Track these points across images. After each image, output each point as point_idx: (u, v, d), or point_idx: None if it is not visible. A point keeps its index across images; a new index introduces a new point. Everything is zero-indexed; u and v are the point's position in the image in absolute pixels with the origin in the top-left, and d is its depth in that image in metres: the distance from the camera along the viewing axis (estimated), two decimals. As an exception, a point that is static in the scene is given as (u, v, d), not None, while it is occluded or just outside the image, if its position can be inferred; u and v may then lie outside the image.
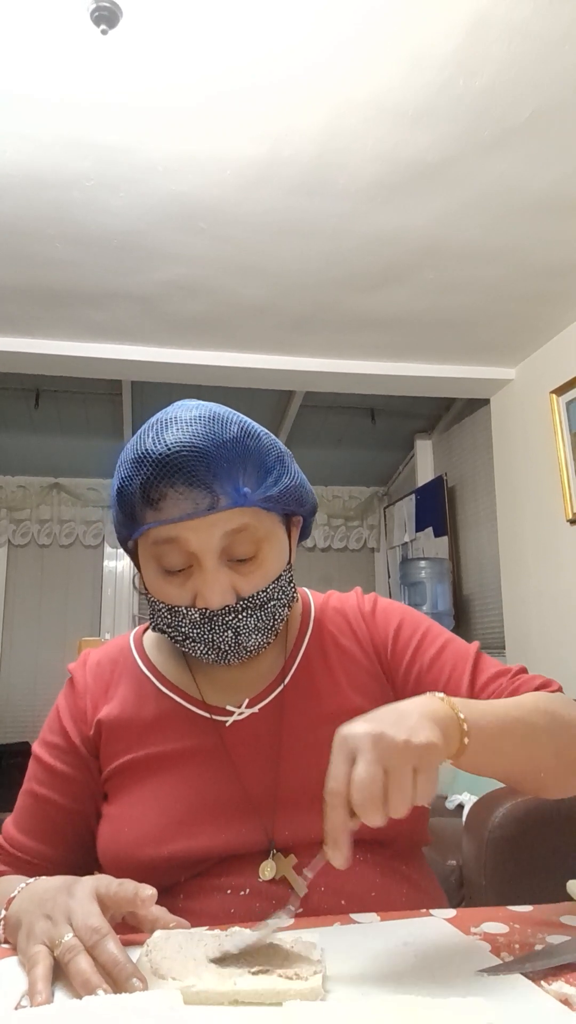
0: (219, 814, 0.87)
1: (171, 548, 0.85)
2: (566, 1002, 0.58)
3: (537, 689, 0.91)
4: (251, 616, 0.87)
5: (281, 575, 0.91)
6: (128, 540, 0.92)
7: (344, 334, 3.33)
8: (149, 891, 0.70)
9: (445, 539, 4.46)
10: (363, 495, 5.76)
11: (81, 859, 0.95)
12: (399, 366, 3.63)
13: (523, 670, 0.97)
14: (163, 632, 0.92)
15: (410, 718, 0.66)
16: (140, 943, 0.70)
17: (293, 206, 2.40)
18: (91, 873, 0.94)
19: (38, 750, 0.99)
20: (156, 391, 4.17)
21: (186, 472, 0.82)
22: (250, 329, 3.26)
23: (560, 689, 0.93)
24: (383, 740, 0.63)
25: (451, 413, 4.70)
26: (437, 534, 4.56)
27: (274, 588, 0.89)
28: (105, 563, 5.37)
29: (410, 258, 2.72)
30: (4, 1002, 0.61)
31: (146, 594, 0.92)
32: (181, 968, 0.63)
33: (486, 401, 4.03)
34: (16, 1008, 0.60)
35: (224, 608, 0.86)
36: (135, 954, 0.67)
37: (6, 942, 0.75)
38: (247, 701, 0.94)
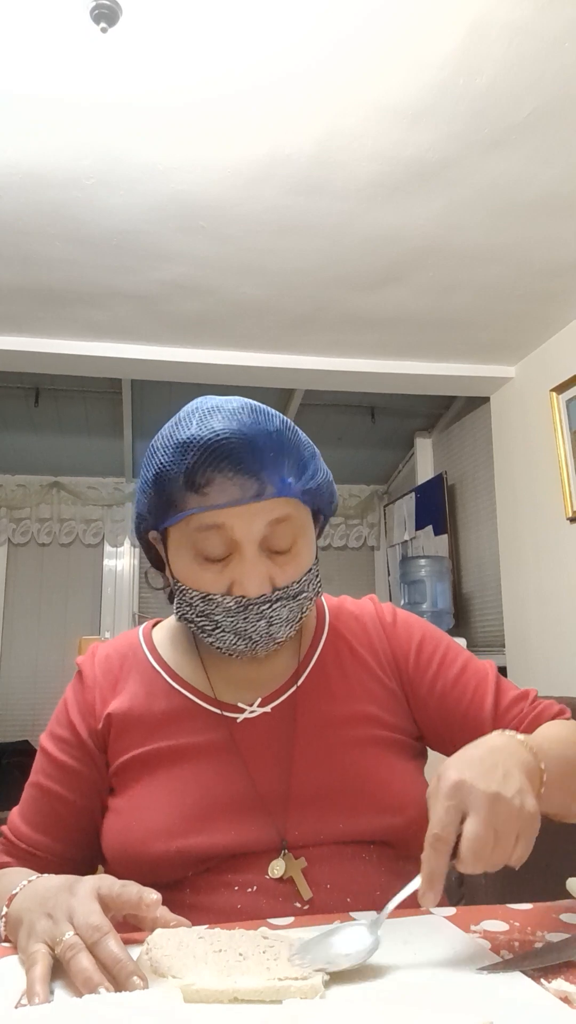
0: (230, 810, 0.87)
1: (213, 535, 0.84)
2: (566, 1000, 0.58)
3: (555, 716, 0.95)
4: (284, 606, 0.88)
5: (311, 568, 0.91)
6: (159, 527, 0.91)
7: (344, 333, 3.34)
8: (154, 896, 0.70)
9: (445, 537, 4.46)
10: (363, 493, 5.76)
11: (85, 854, 0.96)
12: (399, 364, 3.63)
13: (536, 693, 0.99)
14: (190, 622, 0.91)
15: (514, 777, 0.68)
16: (140, 941, 0.70)
17: (293, 206, 2.40)
18: (94, 867, 0.94)
19: (45, 742, 0.99)
20: (156, 390, 4.17)
21: (234, 458, 0.82)
22: (250, 328, 3.26)
23: (570, 716, 0.96)
24: (499, 804, 0.65)
25: (451, 411, 4.70)
26: (437, 532, 4.56)
27: (306, 580, 0.90)
28: (105, 562, 5.37)
29: (410, 258, 2.72)
30: (4, 1002, 0.61)
31: (175, 583, 0.91)
32: (181, 966, 0.63)
33: (486, 399, 4.03)
34: (16, 1008, 0.60)
35: (260, 597, 0.86)
36: (135, 952, 0.67)
37: (7, 940, 0.75)
38: (260, 700, 0.95)
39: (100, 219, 2.45)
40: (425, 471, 5.00)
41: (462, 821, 0.65)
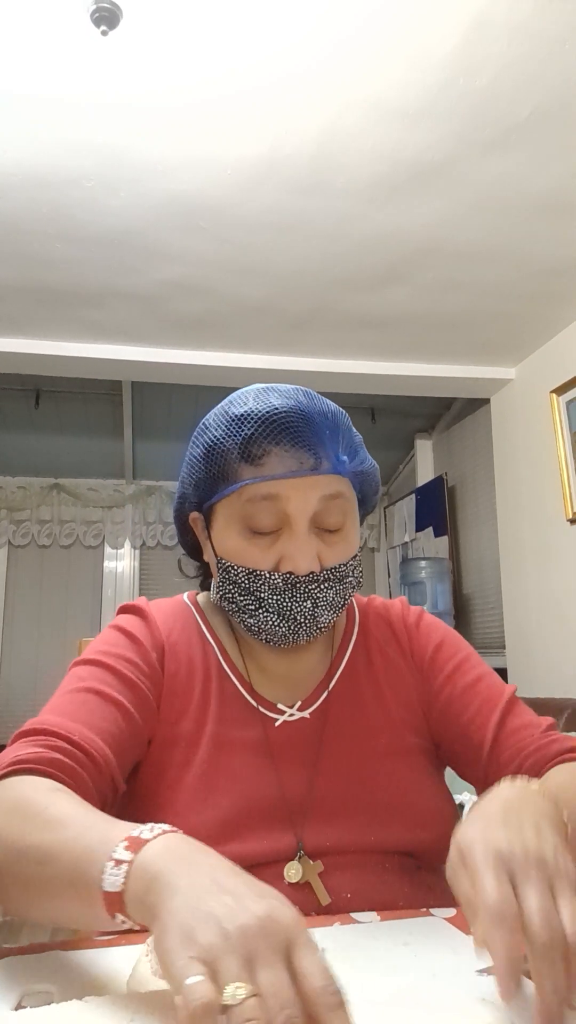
0: (259, 818, 0.85)
1: (266, 506, 0.84)
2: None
3: (568, 753, 0.87)
4: (331, 589, 0.87)
5: (356, 554, 0.91)
6: (203, 505, 0.90)
7: (344, 334, 3.34)
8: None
9: (445, 539, 4.46)
10: (363, 495, 5.76)
11: (117, 795, 0.81)
12: (399, 366, 3.63)
13: (553, 725, 0.93)
14: (232, 603, 0.88)
15: (546, 833, 0.58)
16: (140, 943, 0.70)
17: (293, 206, 2.40)
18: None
19: (101, 658, 0.86)
20: (156, 391, 4.17)
21: (292, 431, 0.83)
22: (250, 329, 3.27)
23: None
24: (545, 867, 0.54)
25: (451, 413, 4.70)
26: (437, 534, 4.56)
27: (352, 565, 0.90)
28: (105, 563, 5.37)
29: (410, 258, 2.72)
30: (4, 1002, 0.61)
31: (219, 561, 0.89)
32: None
33: (486, 401, 4.03)
34: (16, 1010, 0.60)
35: (308, 575, 0.85)
36: (135, 952, 0.67)
37: (117, 907, 0.53)
38: (299, 703, 0.93)
39: (100, 219, 2.45)
40: (425, 472, 5.00)
41: None
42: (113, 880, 0.52)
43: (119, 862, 0.52)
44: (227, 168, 2.22)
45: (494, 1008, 0.56)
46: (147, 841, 0.54)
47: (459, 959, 0.66)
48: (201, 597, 1.03)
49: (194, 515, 0.94)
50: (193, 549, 0.98)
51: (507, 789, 0.65)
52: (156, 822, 0.58)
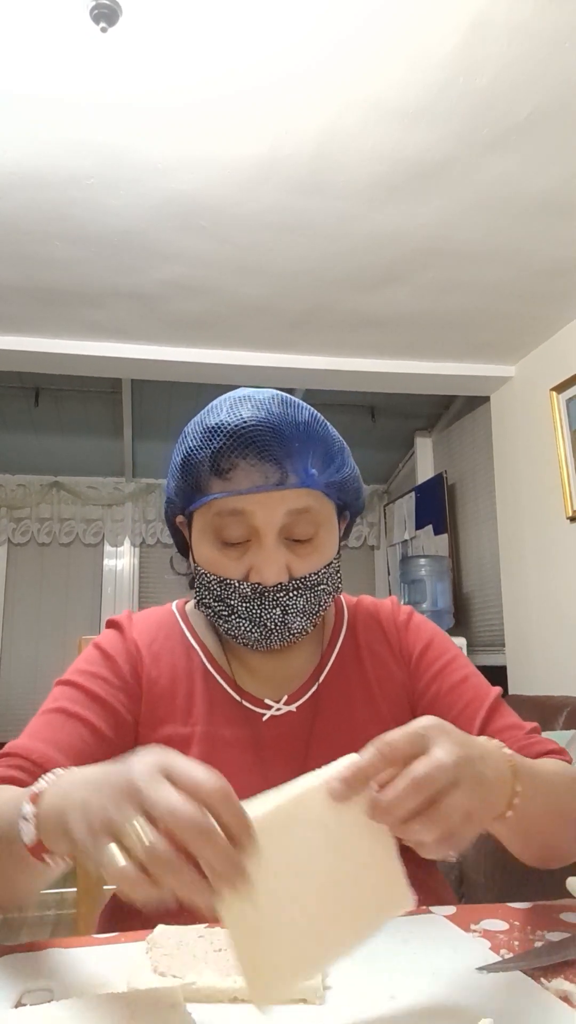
0: None
1: (234, 520, 0.85)
2: (566, 999, 0.58)
3: (549, 755, 0.89)
4: (301, 596, 0.88)
5: (332, 562, 0.92)
6: (185, 511, 0.92)
7: (344, 333, 3.34)
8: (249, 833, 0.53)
9: (445, 537, 4.46)
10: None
11: None
12: (399, 364, 3.63)
13: (537, 729, 0.95)
14: (208, 608, 0.91)
15: (487, 775, 0.60)
16: (140, 940, 0.70)
17: (293, 206, 2.40)
18: None
19: (75, 678, 0.90)
20: (156, 390, 4.17)
21: (259, 445, 0.83)
22: (250, 328, 3.27)
23: (570, 760, 0.91)
24: (468, 767, 0.57)
25: (451, 411, 4.70)
26: (437, 532, 4.56)
27: (324, 573, 0.90)
28: (105, 562, 5.37)
29: (410, 258, 2.72)
30: (4, 1001, 0.61)
31: (195, 568, 0.92)
32: (181, 965, 0.63)
33: (486, 399, 4.03)
34: (16, 1007, 0.60)
35: (276, 585, 0.86)
36: (134, 950, 0.67)
37: (39, 850, 0.60)
38: (286, 697, 0.94)
39: (100, 219, 2.45)
40: (425, 470, 5.00)
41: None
42: (28, 834, 0.60)
43: (26, 819, 0.61)
44: (227, 168, 2.22)
45: (494, 1007, 0.56)
46: (43, 790, 0.62)
47: (459, 956, 0.66)
48: (189, 605, 1.05)
49: (180, 519, 0.96)
50: (183, 547, 1.00)
51: (483, 740, 0.67)
52: None
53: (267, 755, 0.90)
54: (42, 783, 0.63)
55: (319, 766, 0.88)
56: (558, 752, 0.91)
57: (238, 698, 0.93)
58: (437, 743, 0.57)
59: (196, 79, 1.88)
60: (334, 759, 0.89)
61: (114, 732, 0.87)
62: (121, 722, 0.89)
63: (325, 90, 1.93)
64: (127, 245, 2.60)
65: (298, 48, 1.80)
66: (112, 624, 1.00)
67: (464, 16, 1.72)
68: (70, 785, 0.60)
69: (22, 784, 0.77)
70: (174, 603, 1.05)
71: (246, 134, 2.08)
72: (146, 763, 0.53)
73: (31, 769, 0.80)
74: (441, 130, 2.07)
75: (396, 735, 0.57)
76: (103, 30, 1.68)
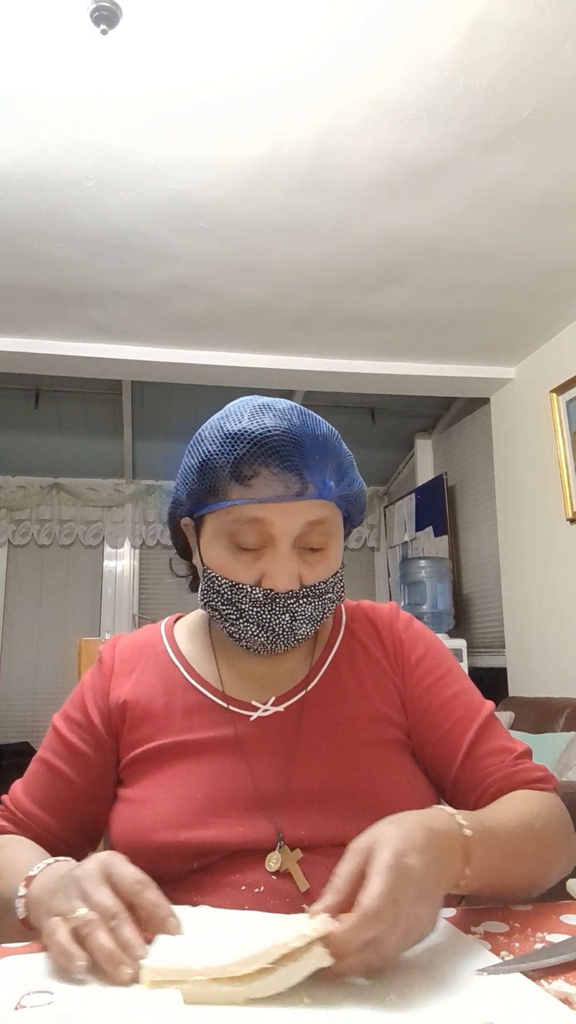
0: (233, 807, 0.87)
1: (251, 527, 0.86)
2: (566, 1001, 0.58)
3: (534, 783, 0.90)
4: (309, 604, 0.90)
5: (338, 571, 0.93)
6: (195, 513, 0.93)
7: (344, 333, 3.34)
8: (172, 921, 0.68)
9: (445, 538, 4.46)
10: (363, 494, 5.76)
11: (81, 838, 0.97)
12: (399, 365, 3.63)
13: (528, 753, 0.95)
14: (215, 611, 0.92)
15: (433, 870, 0.66)
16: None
17: (293, 206, 2.40)
18: (86, 854, 0.93)
19: (58, 722, 1.00)
20: (156, 390, 4.17)
21: (283, 455, 0.84)
22: (250, 329, 3.27)
23: (556, 788, 0.92)
24: (406, 879, 0.63)
25: (451, 412, 4.70)
26: (437, 533, 4.56)
27: (332, 582, 0.92)
28: (105, 563, 5.37)
29: (410, 258, 2.72)
30: (4, 1002, 0.61)
31: (204, 570, 0.92)
32: (181, 967, 0.62)
33: (486, 400, 4.04)
34: (16, 1008, 0.60)
35: (288, 592, 0.87)
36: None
37: (25, 925, 0.74)
38: (274, 699, 0.95)
39: (100, 219, 2.45)
40: (425, 472, 5.00)
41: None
42: (21, 911, 0.75)
43: (20, 897, 0.76)
44: (227, 168, 2.22)
45: (494, 1009, 0.56)
46: (34, 877, 0.76)
47: (459, 960, 0.66)
48: (180, 622, 1.07)
49: (186, 521, 0.96)
50: (183, 550, 1.01)
51: (435, 814, 0.73)
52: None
53: (251, 752, 0.91)
54: (34, 870, 0.77)
55: (307, 761, 0.89)
56: (543, 780, 0.90)
57: (223, 703, 0.95)
58: (373, 872, 0.63)
59: (196, 79, 1.89)
60: (324, 754, 0.90)
61: (83, 778, 0.96)
62: (90, 766, 0.96)
63: (325, 90, 1.93)
64: (127, 245, 2.60)
65: (298, 48, 1.80)
66: (99, 653, 1.04)
67: (464, 16, 1.72)
68: (47, 878, 0.75)
69: (8, 832, 0.95)
70: (164, 621, 1.08)
71: (246, 134, 2.08)
72: (95, 863, 0.70)
73: (16, 820, 0.95)
74: (441, 130, 2.07)
75: (341, 870, 0.66)
76: (103, 32, 1.68)
